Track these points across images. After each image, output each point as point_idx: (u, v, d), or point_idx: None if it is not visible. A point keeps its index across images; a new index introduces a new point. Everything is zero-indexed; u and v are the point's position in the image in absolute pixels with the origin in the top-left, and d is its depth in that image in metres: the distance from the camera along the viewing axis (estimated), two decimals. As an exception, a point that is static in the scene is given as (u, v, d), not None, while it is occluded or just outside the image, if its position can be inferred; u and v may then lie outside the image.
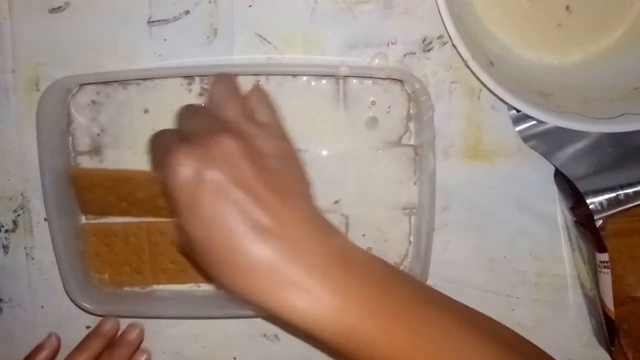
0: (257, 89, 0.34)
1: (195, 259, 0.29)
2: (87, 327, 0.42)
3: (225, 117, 0.30)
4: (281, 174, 0.29)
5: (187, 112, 0.32)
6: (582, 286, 0.42)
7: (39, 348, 0.40)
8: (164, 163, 0.28)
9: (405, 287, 0.29)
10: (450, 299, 0.31)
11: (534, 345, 0.31)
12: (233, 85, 0.33)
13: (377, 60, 0.40)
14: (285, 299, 0.26)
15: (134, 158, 0.40)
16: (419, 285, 0.30)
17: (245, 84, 0.39)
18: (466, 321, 0.29)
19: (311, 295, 0.26)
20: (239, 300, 0.28)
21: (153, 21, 0.39)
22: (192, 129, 0.30)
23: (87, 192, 0.40)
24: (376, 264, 0.29)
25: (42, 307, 0.42)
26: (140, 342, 0.40)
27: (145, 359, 0.39)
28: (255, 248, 0.26)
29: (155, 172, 0.30)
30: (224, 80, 0.33)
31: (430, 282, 0.40)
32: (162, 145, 0.30)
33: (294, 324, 0.27)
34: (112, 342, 0.39)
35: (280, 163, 0.29)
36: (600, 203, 0.36)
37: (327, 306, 0.26)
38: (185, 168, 0.27)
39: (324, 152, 0.40)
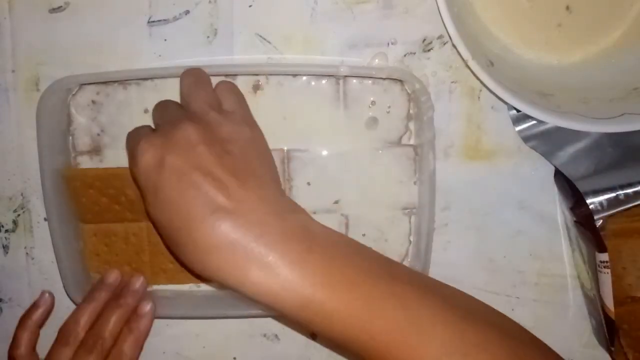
0: (225, 81, 0.35)
1: (164, 243, 0.30)
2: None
3: (192, 108, 0.31)
4: (242, 157, 0.29)
5: (159, 107, 0.34)
6: (582, 286, 0.42)
7: (34, 307, 0.40)
8: (132, 154, 0.29)
9: (368, 261, 0.29)
10: (424, 275, 0.31)
11: (523, 329, 0.31)
12: (201, 78, 0.34)
13: (377, 60, 0.40)
14: (246, 274, 0.27)
15: (134, 158, 0.40)
16: (386, 260, 0.30)
17: (245, 84, 0.39)
18: (435, 295, 0.29)
19: (271, 270, 0.27)
20: (202, 277, 0.29)
21: (153, 21, 0.39)
22: (161, 121, 0.32)
23: (81, 195, 0.39)
24: (340, 240, 0.30)
25: (42, 307, 0.42)
26: (144, 291, 0.40)
27: (150, 308, 0.39)
28: (214, 227, 0.27)
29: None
30: (193, 73, 0.34)
31: (430, 282, 0.40)
32: (134, 140, 0.31)
33: (255, 299, 0.27)
34: (117, 293, 0.39)
35: (242, 148, 0.30)
36: (600, 203, 0.36)
37: (287, 280, 0.27)
38: (147, 155, 0.28)
39: (324, 152, 0.40)
